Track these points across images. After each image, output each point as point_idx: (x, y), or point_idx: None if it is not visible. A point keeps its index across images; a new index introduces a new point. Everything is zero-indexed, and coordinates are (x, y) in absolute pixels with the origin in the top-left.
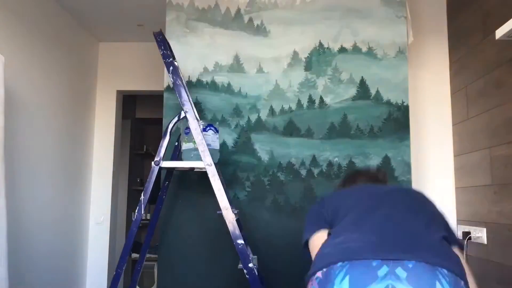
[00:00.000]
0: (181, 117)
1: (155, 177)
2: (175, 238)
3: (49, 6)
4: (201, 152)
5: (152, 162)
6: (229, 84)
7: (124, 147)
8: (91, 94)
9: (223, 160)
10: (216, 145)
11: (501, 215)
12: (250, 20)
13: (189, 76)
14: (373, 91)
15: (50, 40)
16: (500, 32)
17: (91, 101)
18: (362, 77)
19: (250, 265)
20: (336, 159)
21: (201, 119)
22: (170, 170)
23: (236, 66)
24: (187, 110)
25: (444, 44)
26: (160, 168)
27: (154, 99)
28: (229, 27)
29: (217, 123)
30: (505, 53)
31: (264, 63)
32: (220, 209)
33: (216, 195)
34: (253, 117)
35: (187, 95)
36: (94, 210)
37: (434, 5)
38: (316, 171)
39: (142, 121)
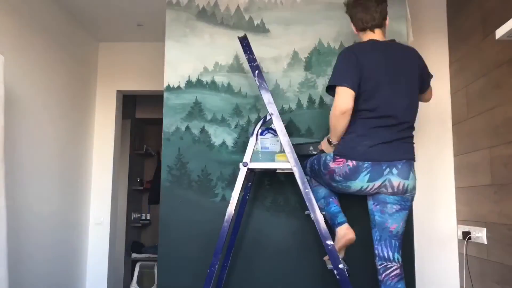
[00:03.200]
0: (267, 119)
1: (243, 178)
2: (175, 238)
3: (49, 6)
4: (287, 153)
5: (240, 164)
6: (229, 84)
7: (124, 147)
8: (91, 94)
9: (223, 160)
10: (276, 148)
11: (501, 215)
12: (250, 19)
13: (189, 76)
14: None
15: (50, 40)
16: (500, 32)
17: (91, 101)
18: None
19: (340, 266)
20: None
21: (201, 119)
22: (258, 171)
23: (236, 66)
24: (272, 112)
25: (444, 44)
26: (248, 169)
27: (154, 99)
28: (229, 26)
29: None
30: (505, 53)
31: (264, 63)
32: (308, 210)
33: (304, 197)
34: (253, 117)
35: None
36: (94, 210)
37: (434, 5)
38: None
39: (142, 121)
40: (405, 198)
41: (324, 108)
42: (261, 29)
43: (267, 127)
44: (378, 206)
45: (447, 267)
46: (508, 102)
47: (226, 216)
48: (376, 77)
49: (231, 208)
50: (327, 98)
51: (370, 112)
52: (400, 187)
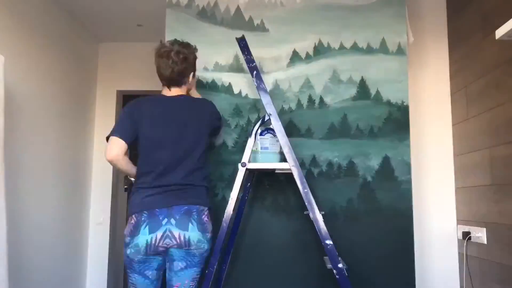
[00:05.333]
0: (265, 119)
1: (242, 178)
2: None
3: (49, 7)
4: (286, 153)
5: (239, 164)
6: (229, 84)
7: None
8: (91, 94)
9: (223, 160)
10: (276, 148)
11: (501, 215)
12: (250, 19)
13: None
14: (373, 91)
15: (50, 40)
16: (500, 32)
17: (91, 101)
18: (362, 77)
19: (340, 265)
20: (336, 159)
21: None
22: (253, 171)
23: (236, 66)
24: (271, 112)
25: (444, 44)
26: (247, 169)
27: None
28: (229, 26)
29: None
30: (505, 53)
31: (264, 63)
32: (307, 210)
33: (303, 196)
34: (253, 117)
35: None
36: (94, 210)
37: (434, 5)
38: (316, 171)
39: None
40: (191, 253)
41: (324, 108)
42: (261, 29)
43: (267, 127)
44: (167, 264)
45: (447, 267)
46: (508, 102)
47: (225, 216)
48: (144, 131)
49: (229, 208)
50: (327, 98)
51: (140, 167)
52: (182, 238)
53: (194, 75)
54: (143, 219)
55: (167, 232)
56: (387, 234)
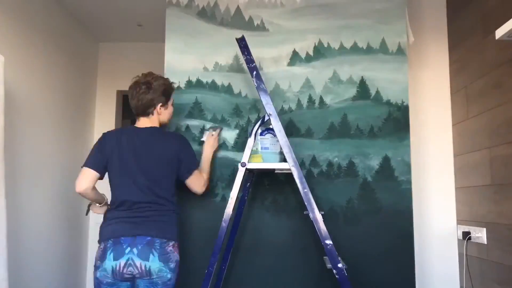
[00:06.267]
0: (265, 119)
1: (241, 178)
2: None
3: (49, 6)
4: (286, 153)
5: (239, 164)
6: (229, 84)
7: None
8: (91, 94)
9: (223, 160)
10: (276, 148)
11: (501, 215)
12: (250, 19)
13: (189, 76)
14: (373, 91)
15: (50, 40)
16: (500, 32)
17: (91, 101)
18: (362, 77)
19: (340, 265)
20: (336, 159)
21: (201, 119)
22: (253, 170)
23: (236, 66)
24: (270, 112)
25: (444, 44)
26: (246, 169)
27: None
28: (229, 26)
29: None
30: (505, 53)
31: (264, 63)
32: (307, 209)
33: (302, 196)
34: (253, 117)
35: (271, 99)
36: None
37: (434, 5)
38: (316, 171)
39: None
40: (154, 282)
41: (324, 108)
42: (261, 29)
43: (267, 127)
44: None
45: (447, 267)
46: (508, 102)
47: (224, 216)
48: (113, 162)
49: (229, 208)
50: (327, 98)
51: (112, 197)
52: (142, 268)
53: (165, 107)
54: (108, 246)
55: (130, 261)
56: (387, 234)
